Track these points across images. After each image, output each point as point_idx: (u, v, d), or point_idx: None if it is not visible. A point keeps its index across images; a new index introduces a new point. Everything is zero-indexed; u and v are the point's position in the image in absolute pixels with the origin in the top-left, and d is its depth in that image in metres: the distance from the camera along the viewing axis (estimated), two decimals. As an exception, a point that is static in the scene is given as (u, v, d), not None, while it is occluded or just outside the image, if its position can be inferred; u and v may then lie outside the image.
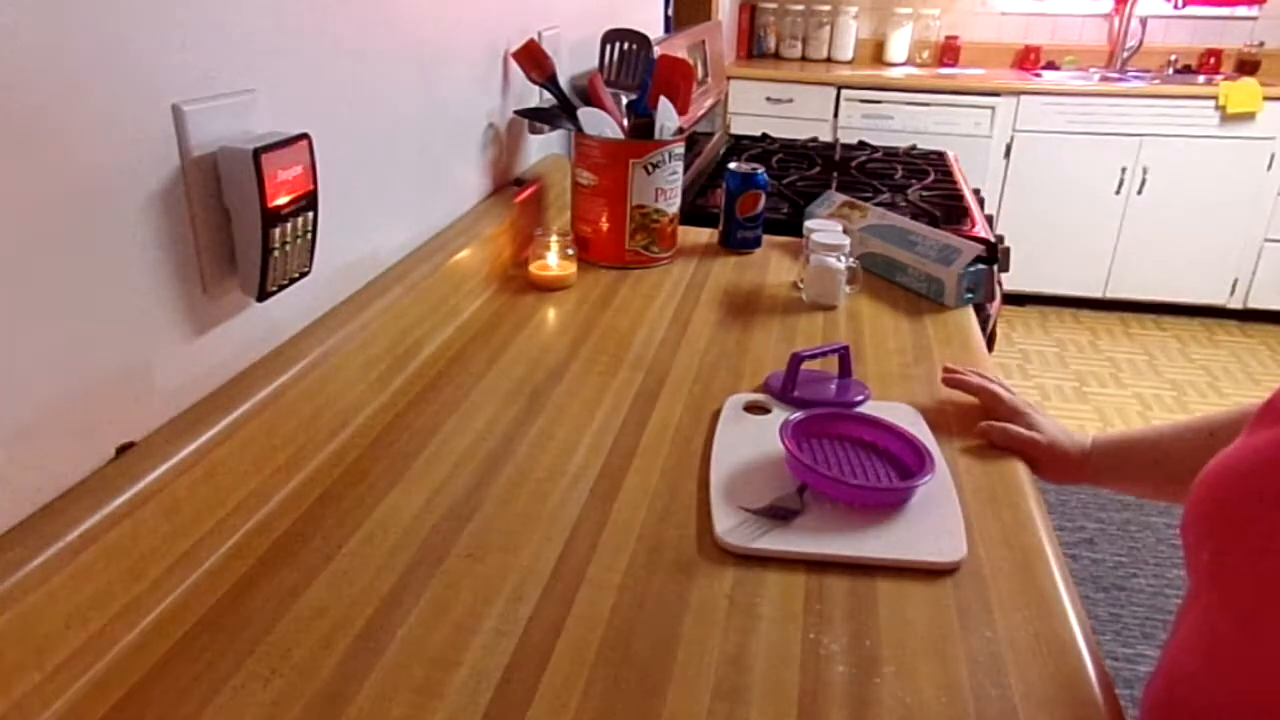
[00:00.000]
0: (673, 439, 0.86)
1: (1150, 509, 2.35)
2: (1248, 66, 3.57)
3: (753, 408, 0.91)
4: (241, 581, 0.65)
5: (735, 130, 3.12)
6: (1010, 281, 3.25)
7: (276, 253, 0.68)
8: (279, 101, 0.74)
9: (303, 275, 0.74)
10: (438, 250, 1.05)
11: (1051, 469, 0.86)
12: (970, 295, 1.20)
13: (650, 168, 1.27)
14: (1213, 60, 3.65)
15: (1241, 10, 3.61)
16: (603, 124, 1.31)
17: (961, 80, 3.43)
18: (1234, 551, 0.50)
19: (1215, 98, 3.21)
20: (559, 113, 1.32)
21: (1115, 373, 3.15)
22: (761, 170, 1.40)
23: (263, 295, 0.70)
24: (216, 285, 0.68)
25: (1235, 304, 3.50)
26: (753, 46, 3.93)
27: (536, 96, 1.37)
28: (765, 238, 1.45)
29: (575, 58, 1.54)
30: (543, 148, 1.49)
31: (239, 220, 0.67)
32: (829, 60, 3.86)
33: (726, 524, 0.72)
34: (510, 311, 1.15)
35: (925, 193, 1.81)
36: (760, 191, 1.39)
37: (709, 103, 2.11)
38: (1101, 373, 3.15)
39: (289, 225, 0.69)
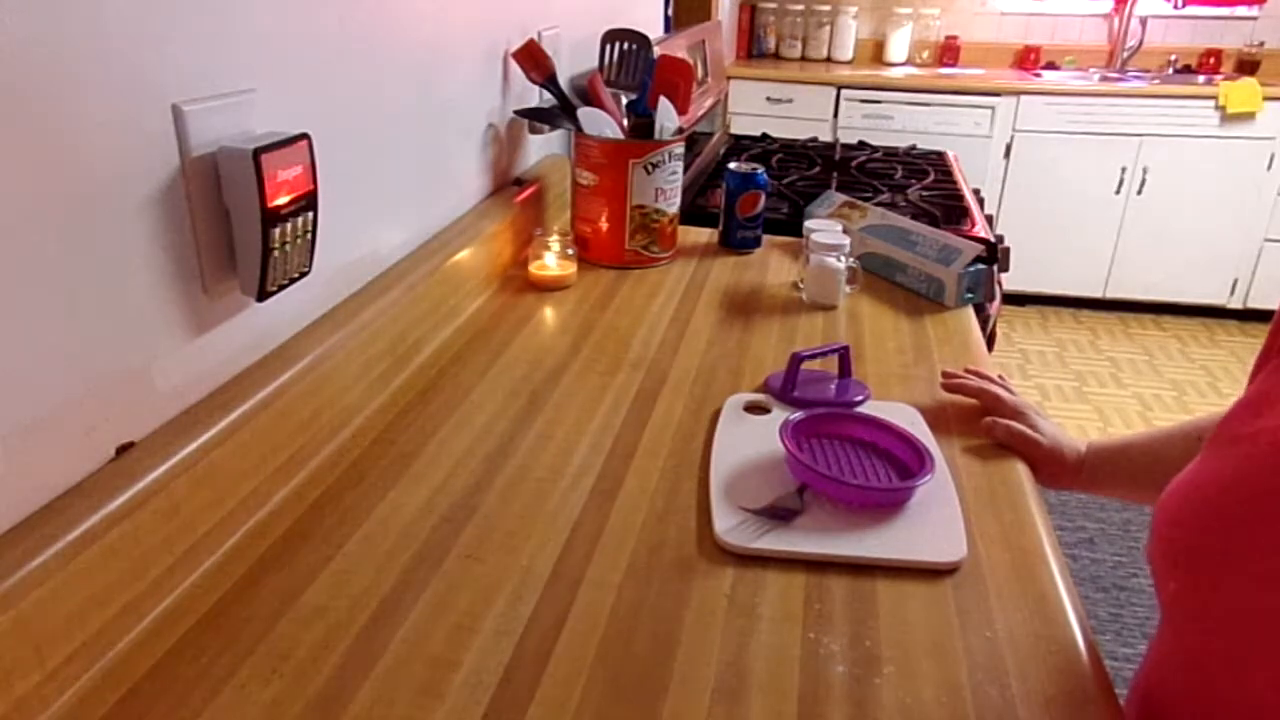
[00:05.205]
0: (673, 439, 0.86)
1: (1150, 509, 2.35)
2: (1248, 66, 3.57)
3: (753, 408, 0.91)
4: (242, 581, 0.65)
5: (735, 130, 3.12)
6: (1010, 281, 3.25)
7: (276, 253, 0.68)
8: (279, 101, 0.74)
9: (302, 275, 0.74)
10: (438, 250, 1.05)
11: (1049, 473, 0.86)
12: (970, 295, 1.20)
13: (650, 168, 1.27)
14: (1213, 60, 3.65)
15: (1241, 10, 3.61)
16: (603, 124, 1.31)
17: (961, 80, 3.43)
18: (1200, 582, 0.51)
19: (1215, 98, 3.21)
20: (559, 113, 1.32)
21: (1115, 373, 3.15)
22: (761, 170, 1.40)
23: (263, 295, 0.70)
24: (216, 285, 0.68)
25: (1235, 304, 3.50)
26: (752, 46, 3.93)
27: (536, 96, 1.37)
28: (765, 238, 1.45)
29: (575, 58, 1.54)
30: (543, 148, 1.49)
31: (239, 220, 0.67)
32: (829, 60, 3.86)
33: (726, 524, 0.72)
34: (510, 311, 1.15)
35: (925, 193, 1.81)
36: (760, 191, 1.39)
37: (709, 103, 2.11)
38: (1101, 373, 3.15)
39: (289, 225, 0.69)
